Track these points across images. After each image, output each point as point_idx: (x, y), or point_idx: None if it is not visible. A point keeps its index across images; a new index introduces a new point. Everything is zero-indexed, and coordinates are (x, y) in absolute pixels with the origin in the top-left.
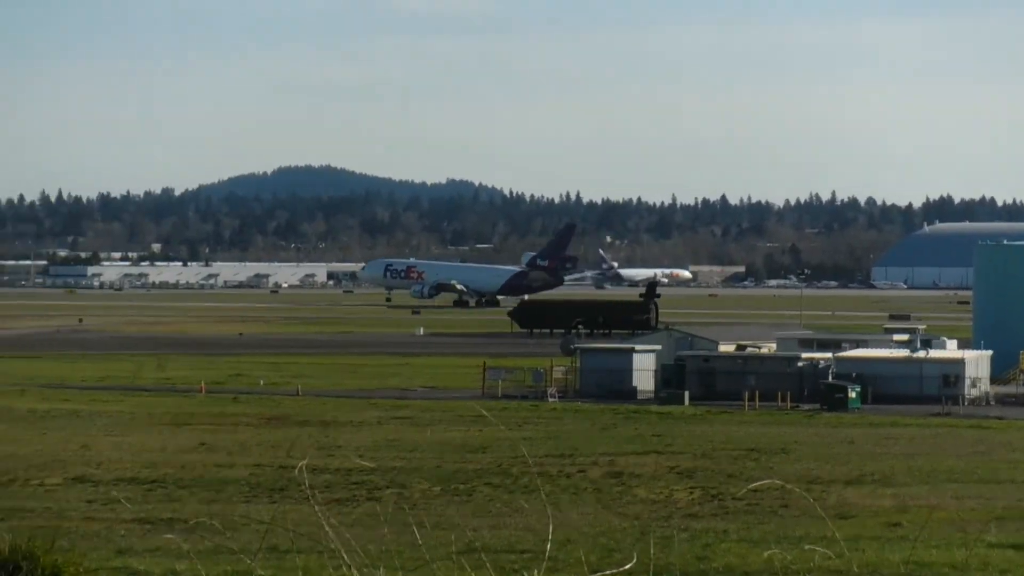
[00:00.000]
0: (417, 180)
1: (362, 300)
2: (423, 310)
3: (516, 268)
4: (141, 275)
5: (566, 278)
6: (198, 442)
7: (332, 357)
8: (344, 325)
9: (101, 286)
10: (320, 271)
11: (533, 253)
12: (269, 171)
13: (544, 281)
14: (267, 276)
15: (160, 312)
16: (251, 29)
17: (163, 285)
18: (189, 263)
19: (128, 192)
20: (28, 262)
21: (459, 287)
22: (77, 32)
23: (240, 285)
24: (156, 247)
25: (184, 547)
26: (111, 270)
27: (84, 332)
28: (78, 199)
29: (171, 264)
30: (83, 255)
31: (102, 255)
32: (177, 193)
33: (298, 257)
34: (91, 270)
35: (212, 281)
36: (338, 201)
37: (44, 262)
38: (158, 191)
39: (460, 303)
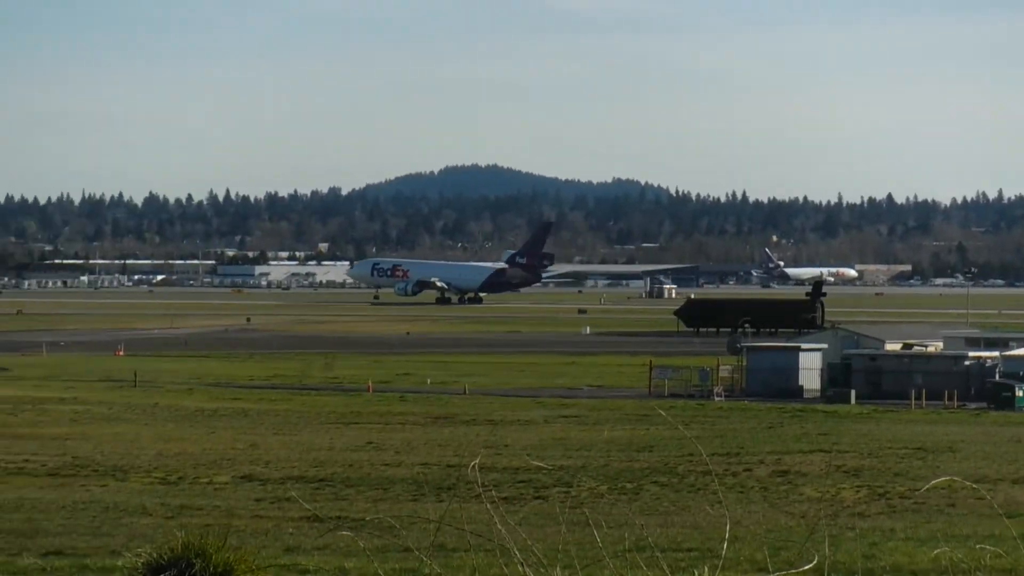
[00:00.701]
0: (583, 179)
1: (531, 299)
2: (415, 307)
3: (497, 266)
4: (308, 274)
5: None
6: (365, 441)
7: (499, 356)
8: (511, 324)
9: (268, 285)
10: None
11: (514, 252)
12: (436, 170)
13: (522, 278)
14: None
15: (327, 311)
16: (416, 28)
17: (330, 284)
18: (355, 262)
19: (295, 192)
20: (197, 262)
21: (439, 284)
22: (246, 33)
23: None
24: (323, 246)
25: (360, 544)
26: (278, 269)
27: (252, 331)
28: (246, 199)
29: (338, 263)
30: (251, 254)
31: (269, 254)
32: (344, 192)
33: (465, 256)
34: (258, 269)
35: None
36: (504, 200)
37: (212, 262)
38: (325, 191)
39: (442, 300)
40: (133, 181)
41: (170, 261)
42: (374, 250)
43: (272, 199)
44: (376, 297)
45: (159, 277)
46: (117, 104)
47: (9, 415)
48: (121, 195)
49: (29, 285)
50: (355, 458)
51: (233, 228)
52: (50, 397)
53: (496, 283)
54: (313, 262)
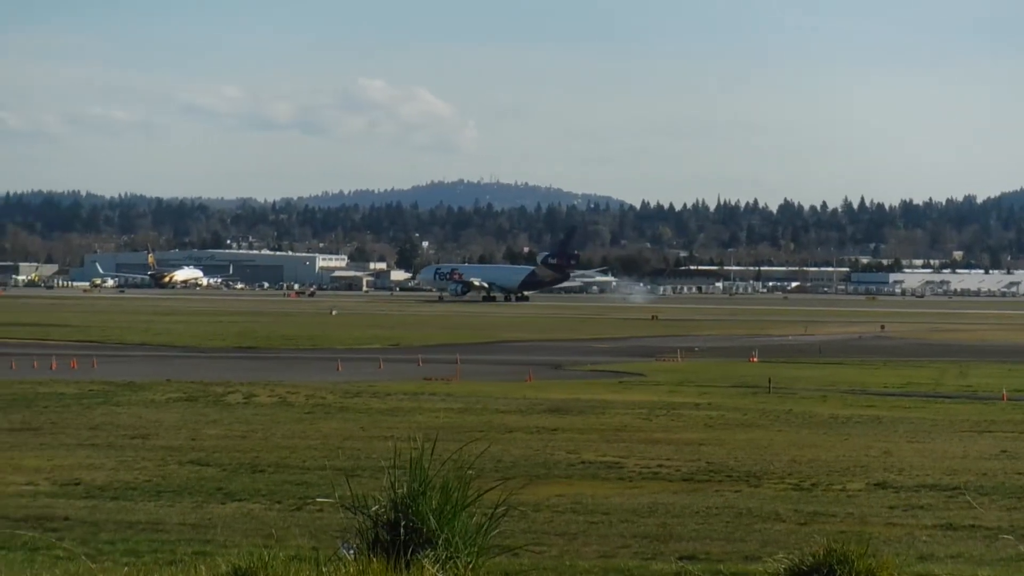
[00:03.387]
0: None
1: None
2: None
3: (531, 267)
4: (942, 282)
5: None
6: (999, 449)
7: None
8: None
9: (902, 293)
10: None
11: (546, 253)
12: None
13: (552, 277)
14: None
15: (961, 319)
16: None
17: (964, 292)
18: (991, 271)
19: (930, 199)
20: (831, 269)
21: (478, 284)
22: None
23: None
24: (957, 254)
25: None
26: (912, 277)
27: (886, 339)
28: (880, 206)
29: (972, 272)
30: (884, 262)
31: (903, 262)
32: (979, 200)
33: None
34: (892, 277)
35: (1014, 289)
36: None
37: (846, 269)
38: (960, 198)
39: (488, 298)
40: (768, 188)
41: (804, 268)
42: (1008, 258)
43: (907, 206)
44: (441, 298)
45: (793, 284)
46: (752, 111)
47: (644, 420)
48: (756, 202)
49: (664, 291)
50: (988, 467)
51: (867, 235)
52: (684, 402)
53: (531, 282)
54: (948, 270)
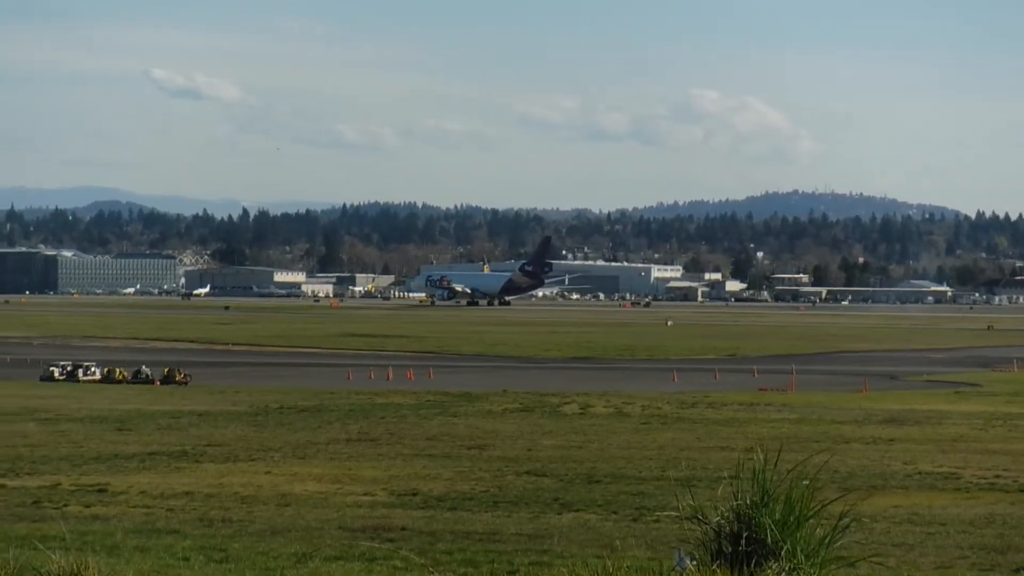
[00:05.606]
0: None
1: None
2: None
3: (509, 274)
4: None
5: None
6: None
7: None
8: None
9: None
10: None
11: (524, 261)
12: None
13: (528, 283)
14: None
15: None
16: None
17: None
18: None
19: None
20: None
21: (461, 290)
22: None
23: None
24: None
25: None
26: None
27: None
28: None
29: None
30: None
31: None
32: None
33: None
34: None
35: None
36: None
37: None
38: None
39: (472, 303)
40: None
41: None
42: None
43: None
44: (432, 303)
45: None
46: None
47: (981, 430)
48: None
49: (1000, 300)
50: None
51: None
52: (1021, 413)
53: (509, 288)
54: None
